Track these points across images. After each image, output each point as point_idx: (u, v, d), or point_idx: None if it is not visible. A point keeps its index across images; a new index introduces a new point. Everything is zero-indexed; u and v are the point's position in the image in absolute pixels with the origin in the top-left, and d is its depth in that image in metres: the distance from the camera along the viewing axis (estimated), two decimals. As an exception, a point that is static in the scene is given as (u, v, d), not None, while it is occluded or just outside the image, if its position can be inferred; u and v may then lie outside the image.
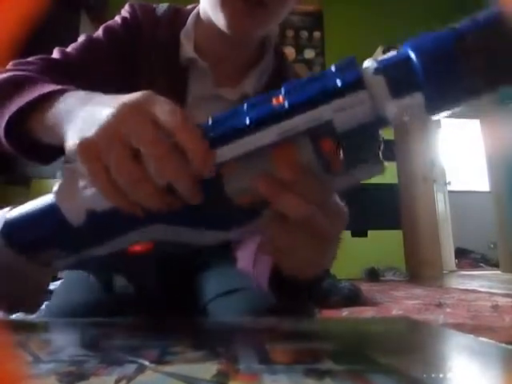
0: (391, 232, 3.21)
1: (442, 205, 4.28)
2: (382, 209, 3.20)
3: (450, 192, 4.51)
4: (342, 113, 0.26)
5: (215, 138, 0.28)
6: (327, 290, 1.63)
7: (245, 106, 0.28)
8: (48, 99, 0.39)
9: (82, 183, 0.31)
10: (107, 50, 0.59)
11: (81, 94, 0.38)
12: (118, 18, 0.63)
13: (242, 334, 0.32)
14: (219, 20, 0.54)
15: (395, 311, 1.39)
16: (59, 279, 0.65)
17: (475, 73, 0.24)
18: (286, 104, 0.27)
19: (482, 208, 5.03)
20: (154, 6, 0.65)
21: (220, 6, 0.53)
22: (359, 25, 3.80)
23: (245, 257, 0.48)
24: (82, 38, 0.60)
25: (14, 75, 0.47)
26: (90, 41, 0.60)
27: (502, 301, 1.62)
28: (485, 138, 3.87)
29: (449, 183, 4.51)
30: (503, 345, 0.29)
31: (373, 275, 2.91)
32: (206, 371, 0.20)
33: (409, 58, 0.25)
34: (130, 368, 0.21)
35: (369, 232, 3.16)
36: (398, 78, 0.26)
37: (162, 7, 0.65)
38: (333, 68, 0.27)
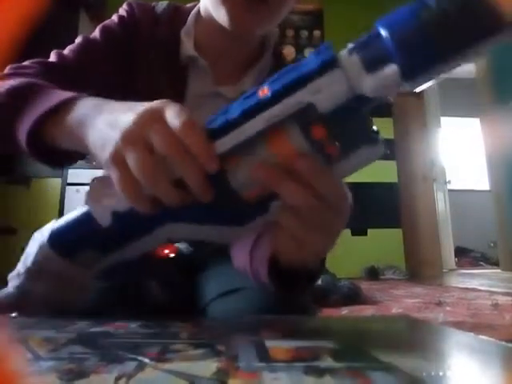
0: (391, 231, 3.21)
1: (441, 204, 4.28)
2: (382, 207, 3.20)
3: (449, 191, 4.50)
4: (321, 94, 0.28)
5: (212, 132, 0.31)
6: (327, 288, 1.63)
7: (236, 101, 0.31)
8: (63, 107, 0.40)
9: (107, 189, 0.34)
10: (104, 50, 0.59)
11: (93, 101, 0.40)
12: (115, 17, 0.63)
13: (242, 332, 0.33)
14: (220, 16, 0.55)
15: (395, 310, 1.39)
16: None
17: (441, 38, 0.25)
18: (269, 94, 0.29)
19: (481, 207, 5.03)
20: (153, 4, 0.65)
21: (221, 1, 0.53)
22: (359, 24, 3.79)
23: (239, 255, 0.49)
24: (78, 40, 0.60)
25: (21, 83, 0.46)
26: (87, 41, 0.60)
27: (501, 299, 1.62)
28: (485, 138, 3.87)
29: (449, 182, 4.50)
30: (503, 343, 0.29)
31: (373, 274, 2.91)
32: (205, 369, 0.20)
33: (379, 33, 0.27)
34: (130, 366, 0.21)
35: (369, 231, 3.16)
36: (371, 53, 0.27)
37: (161, 5, 0.65)
38: (310, 54, 0.29)
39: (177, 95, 0.60)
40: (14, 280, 0.40)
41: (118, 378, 0.18)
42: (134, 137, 0.32)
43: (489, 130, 3.71)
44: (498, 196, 3.72)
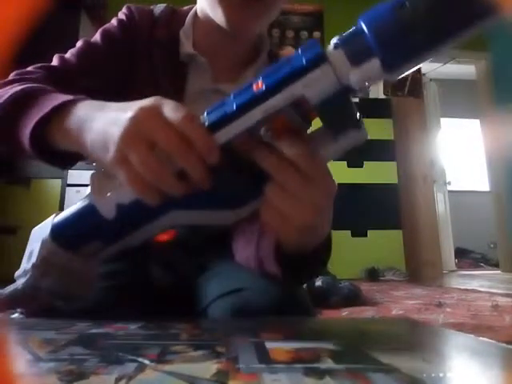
0: (391, 232, 3.20)
1: (441, 205, 4.27)
2: (382, 209, 3.19)
3: (449, 192, 4.50)
4: (312, 87, 0.31)
5: (211, 125, 0.33)
6: (327, 290, 1.63)
7: (232, 95, 0.33)
8: (62, 109, 0.41)
9: (110, 182, 0.36)
10: (105, 53, 0.61)
11: (90, 103, 0.41)
12: (114, 21, 0.65)
13: (242, 334, 0.32)
14: (218, 16, 0.56)
15: (395, 311, 1.39)
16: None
17: (417, 33, 0.28)
18: (263, 88, 0.31)
19: (482, 208, 5.03)
20: (152, 7, 0.67)
21: (218, 2, 0.55)
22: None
23: (242, 248, 0.49)
24: (79, 43, 0.62)
25: (25, 87, 0.47)
26: (88, 45, 0.61)
27: (502, 300, 1.62)
28: (485, 139, 3.87)
29: (449, 183, 4.50)
30: (503, 344, 0.29)
31: (373, 275, 2.90)
32: (206, 370, 0.20)
33: (361, 29, 0.30)
34: (130, 367, 0.21)
35: (369, 232, 3.16)
36: (355, 48, 0.30)
37: (158, 8, 0.67)
38: (299, 51, 0.32)
39: (177, 92, 0.62)
40: (21, 278, 0.40)
41: (118, 380, 0.18)
42: (133, 135, 0.33)
43: (489, 131, 3.71)
44: (498, 197, 3.72)
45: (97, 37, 0.63)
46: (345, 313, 1.40)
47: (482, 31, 0.29)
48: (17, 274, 0.41)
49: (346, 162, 3.14)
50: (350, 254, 3.02)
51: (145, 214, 0.37)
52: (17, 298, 0.40)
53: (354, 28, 0.31)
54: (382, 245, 3.15)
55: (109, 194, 0.36)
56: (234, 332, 0.35)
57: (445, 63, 3.88)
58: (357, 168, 3.18)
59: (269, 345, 0.26)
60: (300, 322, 0.42)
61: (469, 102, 5.12)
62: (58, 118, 0.41)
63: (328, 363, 0.22)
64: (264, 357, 0.23)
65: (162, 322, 0.37)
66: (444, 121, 4.69)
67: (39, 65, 0.56)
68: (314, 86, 0.31)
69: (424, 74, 3.92)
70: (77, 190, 2.67)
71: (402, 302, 1.64)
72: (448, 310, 1.41)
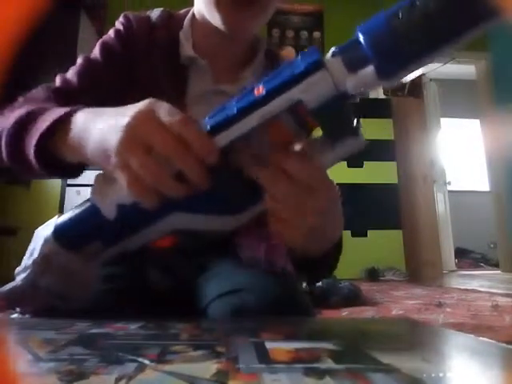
0: (391, 232, 3.20)
1: (441, 205, 4.27)
2: (382, 209, 3.19)
3: (449, 192, 4.50)
4: (309, 92, 0.32)
5: (211, 127, 0.34)
6: (327, 290, 1.63)
7: (234, 99, 0.34)
8: (63, 121, 0.43)
9: (111, 183, 0.37)
10: (105, 69, 0.62)
11: (88, 112, 0.42)
12: (111, 32, 0.65)
13: (242, 334, 0.32)
14: (216, 20, 0.58)
15: (395, 311, 1.39)
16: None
17: (411, 39, 0.29)
18: (264, 93, 0.33)
19: (482, 208, 5.03)
20: (148, 12, 0.68)
21: (215, 6, 0.56)
22: (359, 25, 3.80)
23: (250, 244, 0.50)
24: (80, 61, 0.63)
25: (29, 109, 0.49)
26: (88, 62, 0.62)
27: (502, 300, 1.62)
28: (485, 139, 3.87)
29: (449, 183, 4.50)
30: (503, 344, 0.29)
31: (373, 275, 2.90)
32: (205, 370, 0.20)
33: (358, 38, 0.31)
34: (130, 367, 0.21)
35: (369, 232, 3.16)
36: (351, 55, 0.32)
37: (155, 13, 0.67)
38: (299, 57, 0.33)
39: (179, 96, 0.62)
40: (21, 274, 0.41)
41: (118, 380, 0.18)
42: (131, 140, 0.34)
43: (489, 131, 3.71)
44: (498, 197, 3.72)
45: (96, 52, 0.63)
46: (345, 313, 1.40)
47: (479, 33, 0.30)
48: (17, 270, 0.42)
49: (346, 162, 3.14)
50: (350, 254, 3.01)
51: (145, 216, 0.37)
52: (16, 295, 0.41)
53: (352, 38, 0.32)
54: (382, 245, 3.15)
55: (110, 195, 0.37)
56: (233, 332, 0.35)
57: (445, 63, 3.88)
58: (357, 168, 3.18)
59: (269, 345, 0.26)
60: (300, 322, 0.42)
61: (469, 102, 5.12)
62: (59, 131, 0.43)
63: (328, 363, 0.22)
64: (264, 357, 0.23)
65: (161, 322, 0.37)
66: (444, 121, 4.69)
67: (43, 85, 0.58)
68: (311, 91, 0.32)
69: (424, 74, 3.92)
70: (77, 191, 2.67)
71: (402, 302, 1.64)
72: (448, 309, 1.41)
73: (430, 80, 4.30)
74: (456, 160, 5.37)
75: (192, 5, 0.67)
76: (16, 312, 0.43)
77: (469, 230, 5.11)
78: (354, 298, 1.63)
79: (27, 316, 0.43)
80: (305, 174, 0.34)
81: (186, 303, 0.56)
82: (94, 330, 0.33)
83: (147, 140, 0.34)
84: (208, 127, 0.34)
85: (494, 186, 3.80)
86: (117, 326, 0.34)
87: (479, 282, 2.68)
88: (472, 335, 0.33)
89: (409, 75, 0.32)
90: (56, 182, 2.73)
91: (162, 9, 0.68)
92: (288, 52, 3.76)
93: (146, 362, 0.22)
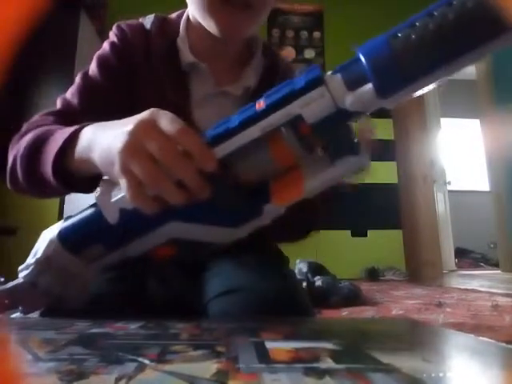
0: (391, 232, 3.20)
1: (441, 205, 4.27)
2: (382, 209, 3.19)
3: (449, 192, 4.49)
4: (308, 107, 0.33)
5: (212, 138, 0.35)
6: (327, 290, 1.63)
7: (237, 113, 0.35)
8: (72, 139, 0.45)
9: (115, 190, 0.38)
10: (104, 86, 0.61)
11: (93, 127, 0.44)
12: (106, 45, 0.64)
13: (242, 333, 0.32)
14: (211, 27, 0.57)
15: (395, 311, 1.39)
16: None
17: (408, 64, 0.30)
18: (264, 107, 0.34)
19: (482, 208, 5.02)
20: (141, 19, 0.66)
21: (209, 13, 0.56)
22: (359, 25, 3.79)
23: None
24: (78, 80, 0.62)
25: (37, 132, 0.51)
26: (87, 81, 0.62)
27: (502, 300, 1.62)
28: (485, 139, 3.87)
29: (449, 183, 4.50)
30: (503, 344, 0.29)
31: (373, 275, 2.90)
32: (205, 370, 0.20)
33: (358, 58, 0.32)
34: (130, 367, 0.21)
35: (369, 232, 3.15)
36: (351, 74, 0.33)
37: (148, 19, 0.66)
38: (301, 74, 0.34)
39: (183, 101, 0.62)
40: (23, 271, 0.42)
41: (118, 379, 0.18)
42: (133, 147, 0.35)
43: (489, 131, 3.71)
44: (498, 197, 3.72)
45: (93, 67, 0.62)
46: (345, 313, 1.40)
47: (480, 59, 0.31)
48: (20, 267, 0.43)
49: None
50: (350, 253, 3.02)
51: (145, 222, 0.38)
52: (17, 293, 0.42)
53: (353, 57, 0.33)
54: (382, 245, 3.15)
55: (113, 200, 0.38)
56: (233, 332, 0.35)
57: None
58: (357, 168, 3.18)
59: (269, 345, 0.26)
60: (300, 322, 0.42)
61: (469, 102, 5.12)
62: (70, 148, 0.45)
63: (328, 363, 0.22)
64: (264, 357, 0.23)
65: (161, 322, 0.37)
66: (444, 121, 4.69)
67: (45, 111, 0.59)
68: (311, 106, 0.33)
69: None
70: (77, 191, 2.67)
71: (402, 302, 1.64)
72: (448, 309, 1.41)
73: (430, 80, 4.29)
74: (456, 160, 5.37)
75: (183, 7, 0.66)
76: (18, 311, 0.44)
77: (469, 230, 5.11)
78: (353, 298, 1.63)
79: (28, 315, 0.44)
80: None
81: (183, 303, 0.56)
82: (94, 330, 0.33)
83: (148, 147, 0.34)
84: (208, 138, 0.35)
85: (494, 186, 3.80)
86: (117, 326, 0.34)
87: (479, 282, 2.68)
88: (472, 335, 0.33)
89: (408, 97, 0.33)
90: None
91: (154, 15, 0.66)
92: (288, 52, 3.76)
93: (146, 361, 0.22)
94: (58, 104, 0.61)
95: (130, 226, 0.39)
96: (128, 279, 0.54)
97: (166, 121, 0.36)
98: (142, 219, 0.37)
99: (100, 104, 0.60)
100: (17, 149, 0.53)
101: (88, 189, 0.48)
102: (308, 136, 0.34)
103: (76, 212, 0.43)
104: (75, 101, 0.60)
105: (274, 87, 0.35)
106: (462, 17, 0.29)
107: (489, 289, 2.17)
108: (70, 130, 0.46)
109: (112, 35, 0.64)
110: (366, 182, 3.17)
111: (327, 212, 0.58)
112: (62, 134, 0.47)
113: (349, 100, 0.32)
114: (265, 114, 0.34)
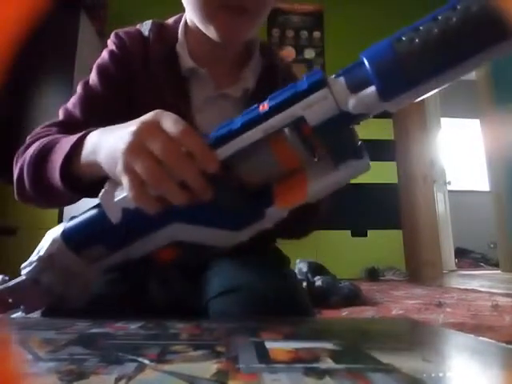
0: (391, 232, 3.20)
1: (441, 205, 4.27)
2: (382, 209, 3.19)
3: (449, 192, 4.49)
4: (311, 109, 0.33)
5: (215, 139, 0.35)
6: (327, 290, 1.63)
7: (241, 115, 0.35)
8: (78, 145, 0.46)
9: (118, 189, 0.39)
10: (105, 93, 0.61)
11: (100, 130, 0.45)
12: (105, 54, 0.64)
13: (242, 333, 0.32)
14: (210, 32, 0.57)
15: (395, 311, 1.39)
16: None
17: (411, 67, 0.30)
18: (267, 108, 0.34)
19: (482, 208, 5.02)
20: (138, 26, 0.66)
21: (207, 18, 0.56)
22: (359, 25, 3.79)
23: None
24: (79, 89, 0.63)
25: (43, 142, 0.52)
26: (87, 90, 0.62)
27: (502, 300, 1.62)
28: (485, 139, 3.87)
29: (449, 183, 4.50)
30: (503, 344, 0.29)
31: (373, 275, 2.90)
32: (205, 370, 0.20)
33: (362, 62, 0.32)
34: (130, 367, 0.21)
35: (369, 232, 3.15)
36: (354, 76, 0.33)
37: (146, 26, 0.66)
38: (303, 77, 0.34)
39: (184, 106, 0.62)
40: (26, 268, 0.43)
41: (117, 379, 0.18)
42: (136, 147, 0.36)
43: (489, 131, 3.71)
44: (498, 197, 3.72)
45: (94, 77, 0.63)
46: (345, 313, 1.40)
47: (482, 65, 0.31)
48: (23, 265, 0.43)
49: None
50: (350, 253, 3.02)
51: (147, 223, 0.38)
52: (19, 290, 0.43)
53: (357, 60, 0.33)
54: (382, 245, 3.15)
55: (116, 199, 0.39)
56: (234, 332, 0.35)
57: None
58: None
59: (269, 345, 0.26)
60: (300, 322, 0.42)
61: (469, 102, 5.12)
62: (77, 154, 0.46)
63: (328, 363, 0.22)
64: (264, 357, 0.23)
65: (161, 322, 0.37)
66: (444, 121, 4.69)
67: (48, 123, 0.60)
68: (313, 109, 0.33)
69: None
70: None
71: (402, 302, 1.64)
72: (448, 309, 1.41)
73: (430, 80, 4.29)
74: (456, 160, 5.37)
75: (180, 11, 0.65)
76: (20, 310, 0.44)
77: (469, 230, 5.11)
78: (353, 298, 1.63)
79: (29, 315, 0.44)
80: None
81: (184, 305, 0.56)
82: (94, 330, 0.33)
83: (151, 147, 0.35)
84: (211, 139, 0.35)
85: (494, 186, 3.80)
86: (117, 326, 0.34)
87: (479, 282, 2.68)
88: (472, 335, 0.33)
89: (412, 100, 0.33)
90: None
91: (151, 21, 0.66)
92: (288, 52, 3.76)
93: (146, 361, 0.22)
94: (61, 115, 0.61)
95: (132, 225, 0.39)
96: (129, 281, 0.54)
97: (170, 122, 0.36)
98: (145, 219, 0.37)
99: (101, 113, 0.60)
100: (23, 159, 0.53)
101: (95, 193, 0.49)
102: (311, 138, 0.34)
103: (79, 212, 0.44)
104: (77, 111, 0.60)
105: (278, 90, 0.35)
106: (467, 21, 0.29)
107: (489, 289, 2.17)
108: (75, 136, 0.47)
109: (110, 43, 0.64)
110: (366, 182, 3.17)
111: (327, 212, 0.58)
112: (68, 140, 0.47)
113: (352, 102, 0.32)
114: (267, 116, 0.34)
